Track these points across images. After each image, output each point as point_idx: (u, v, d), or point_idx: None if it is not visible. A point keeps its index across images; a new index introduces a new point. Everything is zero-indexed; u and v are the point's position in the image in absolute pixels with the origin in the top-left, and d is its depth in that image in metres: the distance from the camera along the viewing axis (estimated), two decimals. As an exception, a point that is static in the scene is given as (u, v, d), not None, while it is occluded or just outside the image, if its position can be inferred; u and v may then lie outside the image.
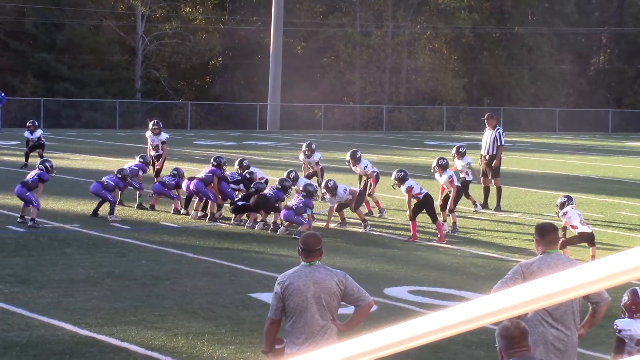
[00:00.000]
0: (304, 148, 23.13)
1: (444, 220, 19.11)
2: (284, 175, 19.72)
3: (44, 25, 58.04)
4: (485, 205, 22.39)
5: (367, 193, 20.69)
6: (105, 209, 19.53)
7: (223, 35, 64.18)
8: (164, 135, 23.49)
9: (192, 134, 48.76)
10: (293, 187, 19.27)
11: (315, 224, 18.89)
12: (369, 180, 21.14)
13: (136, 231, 18.29)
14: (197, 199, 20.00)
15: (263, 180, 19.86)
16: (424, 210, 18.06)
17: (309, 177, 22.07)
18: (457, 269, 15.71)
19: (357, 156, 21.37)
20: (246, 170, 20.48)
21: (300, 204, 18.14)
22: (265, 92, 56.74)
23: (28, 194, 18.23)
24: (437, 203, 19.32)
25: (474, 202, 21.88)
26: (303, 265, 7.61)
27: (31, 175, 18.70)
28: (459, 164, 20.97)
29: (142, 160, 21.60)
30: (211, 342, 10.92)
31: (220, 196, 19.82)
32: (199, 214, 19.87)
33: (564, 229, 16.06)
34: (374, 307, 9.48)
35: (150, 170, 22.84)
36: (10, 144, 37.07)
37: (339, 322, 7.65)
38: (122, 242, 17.06)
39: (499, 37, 69.94)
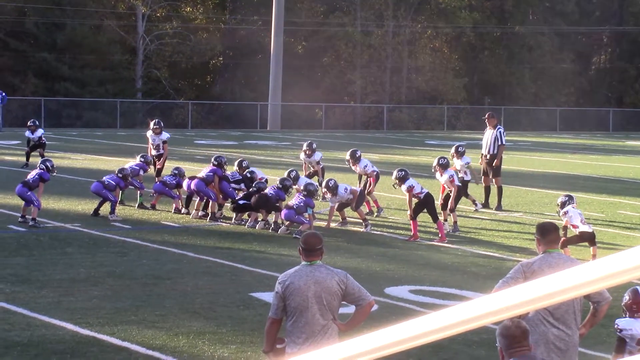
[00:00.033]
0: (304, 147, 23.12)
1: (445, 220, 19.12)
2: (285, 174, 19.72)
3: (45, 25, 58.05)
4: (486, 205, 22.38)
5: (366, 192, 20.68)
6: (106, 208, 19.54)
7: (224, 35, 64.19)
8: (165, 135, 23.49)
9: (192, 134, 48.76)
10: (294, 187, 19.27)
11: (316, 223, 18.88)
12: (368, 179, 21.14)
13: (137, 231, 18.30)
14: (198, 198, 20.01)
15: (262, 180, 19.86)
16: (425, 210, 18.06)
17: (309, 176, 22.07)
18: (458, 269, 15.71)
19: (357, 155, 21.36)
20: (247, 170, 20.49)
21: (301, 204, 18.14)
22: (266, 91, 56.74)
23: (29, 193, 18.24)
24: (438, 202, 19.33)
25: (474, 201, 21.88)
26: (304, 265, 7.61)
27: (32, 174, 18.70)
28: (457, 163, 20.96)
29: (143, 159, 21.61)
30: (212, 342, 10.92)
31: (221, 196, 19.82)
32: (200, 213, 19.88)
33: (565, 228, 16.05)
34: (375, 307, 9.48)
35: (151, 170, 22.85)
36: (11, 143, 37.08)
37: (340, 322, 7.65)
38: (123, 242, 17.06)
39: (499, 36, 69.93)
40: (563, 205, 16.29)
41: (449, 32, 68.03)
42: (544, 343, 7.61)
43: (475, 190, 23.01)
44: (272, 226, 18.56)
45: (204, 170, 20.13)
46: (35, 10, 58.26)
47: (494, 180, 22.64)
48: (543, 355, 7.42)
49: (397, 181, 18.16)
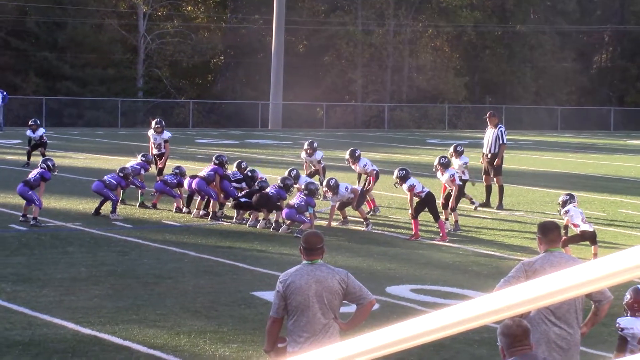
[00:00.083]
0: (305, 146, 23.12)
1: (446, 219, 19.12)
2: (286, 173, 19.72)
3: (46, 24, 58.06)
4: (487, 204, 22.38)
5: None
6: (107, 207, 19.54)
7: (225, 34, 64.18)
8: (167, 134, 23.49)
9: (193, 133, 48.77)
10: (295, 186, 19.27)
11: (317, 222, 18.89)
12: (368, 178, 21.13)
13: (138, 230, 18.30)
14: (199, 197, 20.01)
15: (262, 179, 19.86)
16: (426, 209, 18.06)
17: (310, 175, 22.06)
18: (459, 268, 15.71)
19: (357, 155, 21.35)
20: (247, 169, 20.50)
21: (302, 203, 18.15)
22: (267, 90, 56.75)
23: (30, 192, 18.25)
24: (439, 201, 19.32)
25: (471, 200, 21.86)
26: (305, 264, 7.61)
27: (33, 174, 18.71)
28: (456, 162, 20.92)
29: (144, 158, 21.61)
30: (213, 341, 10.93)
31: (222, 195, 19.82)
32: (201, 212, 19.88)
33: (566, 227, 16.05)
34: (376, 306, 9.49)
35: (153, 169, 22.85)
36: (12, 142, 37.09)
37: (341, 321, 7.65)
38: (124, 241, 17.06)
39: (500, 35, 69.91)
40: (564, 204, 16.28)
41: (450, 31, 68.02)
42: (546, 342, 7.61)
43: (475, 189, 23.00)
44: (273, 225, 18.56)
45: (205, 170, 20.13)
46: (36, 9, 58.28)
47: (495, 179, 22.64)
48: (544, 354, 7.42)
49: (398, 180, 18.15)
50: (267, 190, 18.75)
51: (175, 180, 20.58)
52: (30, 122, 28.99)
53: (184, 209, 20.31)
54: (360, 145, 32.95)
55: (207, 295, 13.11)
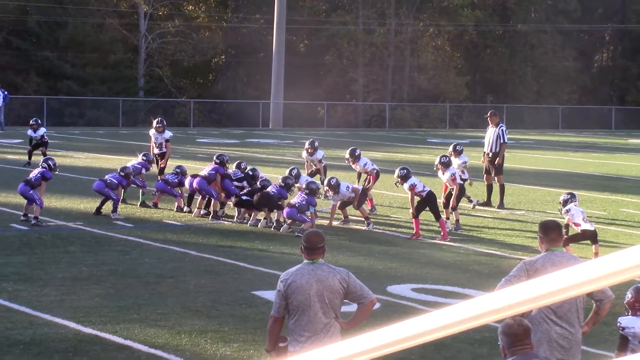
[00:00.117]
0: (306, 146, 23.12)
1: (447, 218, 19.11)
2: (286, 172, 19.72)
3: (47, 24, 58.07)
4: (488, 203, 22.38)
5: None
6: (108, 207, 19.54)
7: (226, 33, 64.18)
8: (168, 134, 23.48)
9: (194, 132, 48.78)
10: (296, 185, 19.27)
11: (318, 221, 18.89)
12: (368, 177, 21.13)
13: (139, 229, 18.31)
14: (200, 196, 20.01)
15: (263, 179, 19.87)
16: (427, 208, 18.05)
17: (311, 174, 22.07)
18: (460, 267, 15.70)
19: (357, 154, 21.35)
20: (249, 168, 20.50)
21: (303, 202, 18.15)
22: (268, 90, 56.75)
23: (31, 192, 18.25)
24: (440, 201, 19.32)
25: (469, 198, 21.85)
26: (306, 263, 7.61)
27: (34, 173, 18.71)
28: (455, 162, 20.91)
29: (145, 158, 21.62)
30: (214, 340, 10.93)
31: (223, 194, 19.83)
32: (202, 211, 19.88)
33: (567, 226, 16.05)
34: (377, 305, 9.48)
35: (154, 168, 22.85)
36: (13, 142, 37.10)
37: (342, 320, 7.65)
38: (125, 240, 17.07)
39: (502, 34, 69.89)
40: (565, 203, 16.28)
41: (451, 30, 68.00)
42: (547, 341, 7.61)
43: (476, 189, 22.99)
44: (274, 224, 18.56)
45: (206, 169, 20.13)
46: (37, 8, 58.28)
47: (496, 178, 22.63)
48: (546, 353, 7.42)
49: (399, 179, 18.15)
50: (268, 189, 18.75)
51: (176, 180, 20.59)
52: (31, 122, 29.00)
53: (185, 209, 20.31)
54: (361, 144, 32.94)
55: (208, 294, 13.11)
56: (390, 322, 2.48)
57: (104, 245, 16.57)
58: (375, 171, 21.01)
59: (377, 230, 18.87)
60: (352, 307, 7.84)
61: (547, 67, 69.73)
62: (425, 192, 17.96)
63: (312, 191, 18.37)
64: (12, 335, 10.89)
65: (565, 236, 15.42)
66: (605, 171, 32.32)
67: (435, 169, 19.78)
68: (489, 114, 23.65)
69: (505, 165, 23.45)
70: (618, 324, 8.29)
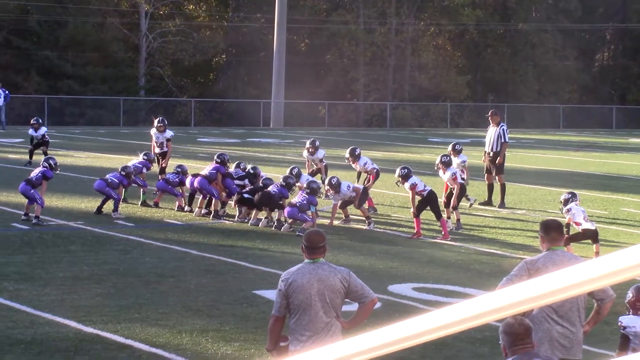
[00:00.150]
0: (307, 145, 23.12)
1: (448, 217, 19.11)
2: (287, 172, 19.72)
3: (48, 23, 58.07)
4: (489, 202, 22.38)
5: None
6: (109, 206, 19.54)
7: (226, 33, 64.20)
8: (169, 133, 23.48)
9: (195, 131, 48.78)
10: (297, 184, 19.27)
11: (319, 221, 18.89)
12: (368, 176, 21.12)
13: (140, 228, 18.31)
14: (201, 196, 20.01)
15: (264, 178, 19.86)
16: (428, 207, 18.05)
17: (312, 174, 22.06)
18: (461, 266, 15.70)
19: (356, 153, 21.34)
20: (250, 166, 20.50)
21: (304, 201, 18.15)
22: (269, 89, 56.75)
23: (32, 191, 18.26)
24: (441, 200, 19.31)
25: (466, 197, 21.84)
26: (307, 263, 7.61)
27: (35, 172, 18.71)
28: (454, 161, 20.91)
29: (146, 157, 21.62)
30: (215, 339, 10.93)
31: (224, 193, 19.83)
32: (203, 211, 19.88)
33: (568, 225, 16.04)
34: (378, 304, 9.49)
35: (155, 167, 22.85)
36: (14, 141, 37.11)
37: (343, 319, 7.65)
38: (126, 240, 17.07)
39: (502, 33, 69.87)
40: (566, 202, 16.28)
41: (452, 29, 67.99)
42: (548, 340, 7.61)
43: (477, 188, 22.98)
44: (275, 224, 18.57)
45: (207, 168, 20.13)
46: (38, 8, 58.29)
47: (497, 177, 22.63)
48: (547, 352, 7.42)
49: (400, 179, 18.14)
50: (270, 188, 18.75)
51: (177, 179, 20.59)
52: (32, 121, 29.00)
53: (186, 208, 20.32)
54: (362, 143, 32.95)
55: (209, 293, 13.11)
56: (391, 322, 2.48)
57: (105, 244, 16.57)
58: (375, 170, 21.01)
59: (378, 230, 18.87)
60: (353, 307, 7.84)
61: (548, 66, 69.72)
62: (426, 192, 17.95)
63: (313, 190, 18.37)
64: (13, 334, 10.89)
65: (566, 235, 15.42)
66: (606, 170, 32.31)
67: (436, 168, 19.77)
68: (489, 113, 23.65)
69: (506, 164, 23.45)
70: (619, 323, 8.29)
